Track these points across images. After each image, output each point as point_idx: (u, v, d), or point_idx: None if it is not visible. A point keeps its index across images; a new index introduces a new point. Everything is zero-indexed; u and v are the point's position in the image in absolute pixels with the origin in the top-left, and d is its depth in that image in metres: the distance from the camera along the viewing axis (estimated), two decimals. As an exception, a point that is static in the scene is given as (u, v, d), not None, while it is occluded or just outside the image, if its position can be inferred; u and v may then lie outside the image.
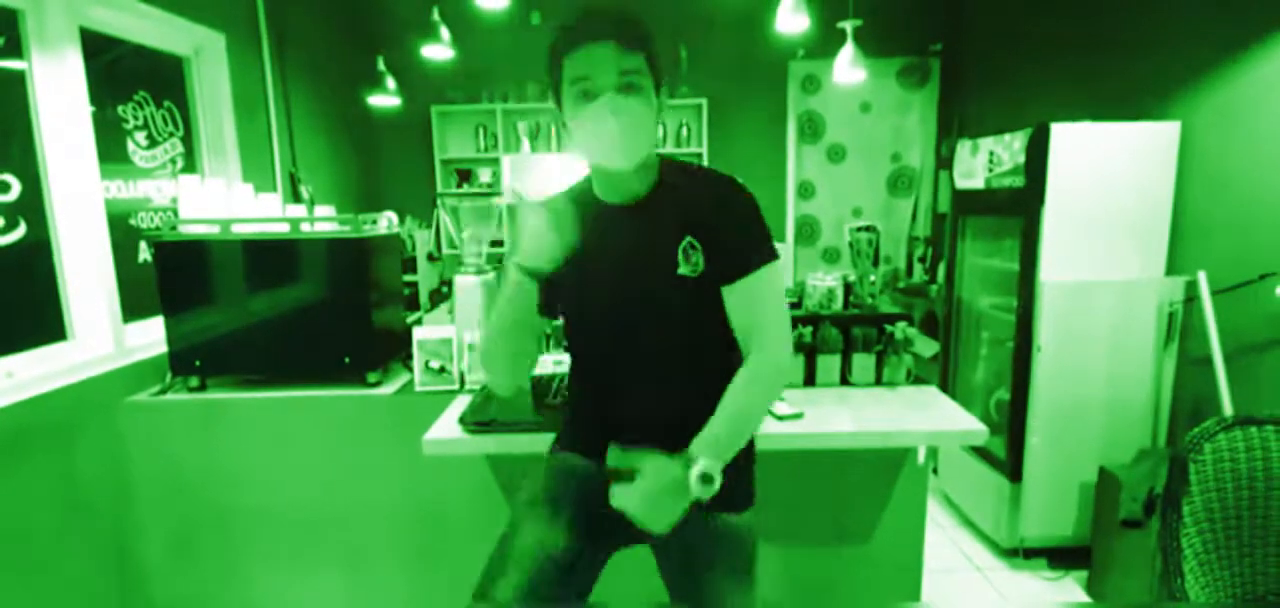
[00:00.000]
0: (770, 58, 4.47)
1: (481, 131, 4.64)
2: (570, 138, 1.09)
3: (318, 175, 3.72)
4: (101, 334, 2.18)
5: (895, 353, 1.89)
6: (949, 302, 3.07)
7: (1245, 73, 2.19)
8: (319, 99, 3.79)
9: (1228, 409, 2.09)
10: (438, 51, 3.44)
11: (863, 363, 1.90)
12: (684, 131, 4.64)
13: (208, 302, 1.98)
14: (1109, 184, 2.34)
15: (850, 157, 4.70)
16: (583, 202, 1.15)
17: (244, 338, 1.98)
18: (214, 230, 1.97)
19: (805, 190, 4.76)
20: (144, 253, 2.45)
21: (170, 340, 1.97)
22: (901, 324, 1.89)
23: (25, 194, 1.99)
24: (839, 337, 1.90)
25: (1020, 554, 2.54)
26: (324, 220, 2.09)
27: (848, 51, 3.11)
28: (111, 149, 2.36)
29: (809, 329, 1.89)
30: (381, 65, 3.84)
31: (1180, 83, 2.43)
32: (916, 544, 1.93)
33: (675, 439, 1.05)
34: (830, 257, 4.83)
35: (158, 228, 2.50)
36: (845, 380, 1.92)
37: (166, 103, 2.64)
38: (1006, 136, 2.51)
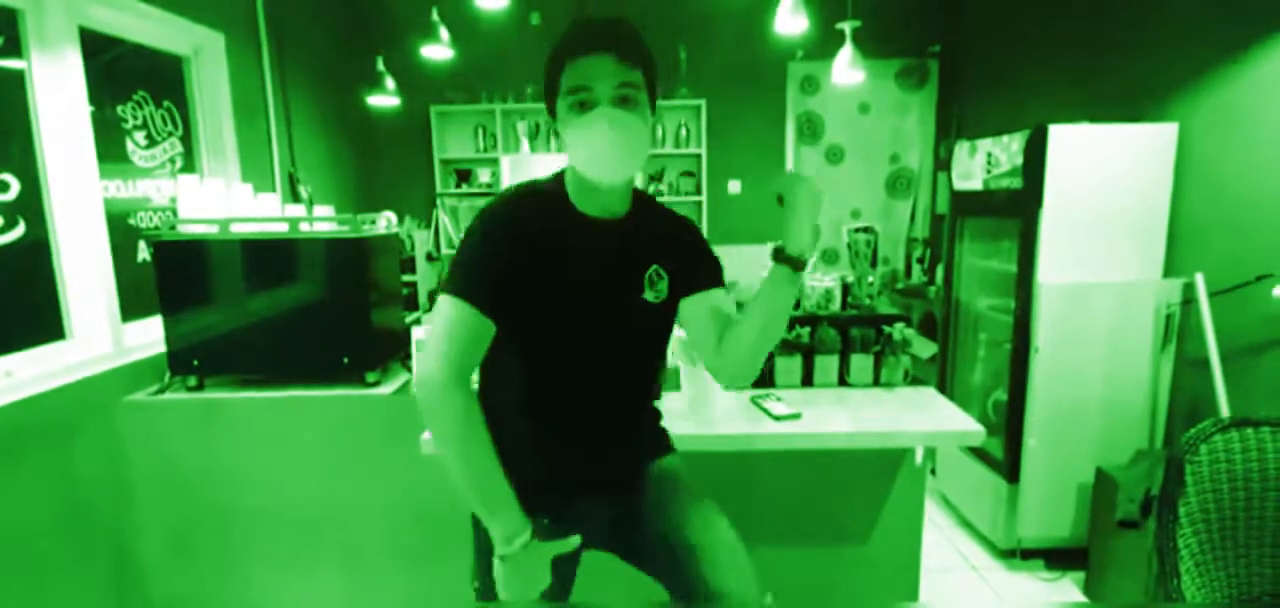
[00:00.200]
0: (769, 59, 4.47)
1: (481, 132, 4.64)
2: (564, 146, 1.07)
3: (317, 175, 3.72)
4: (100, 334, 2.18)
5: (893, 354, 1.89)
6: (947, 303, 3.07)
7: (1243, 75, 2.20)
8: (318, 99, 3.79)
9: (1224, 411, 2.09)
10: (437, 52, 3.44)
11: (861, 364, 1.90)
12: (683, 132, 4.64)
13: (206, 301, 1.98)
14: (1107, 186, 2.35)
15: (849, 158, 4.71)
16: (555, 204, 1.11)
17: (243, 338, 1.98)
18: (213, 230, 1.97)
19: (804, 191, 4.76)
20: (143, 252, 2.45)
21: (169, 340, 1.97)
22: (899, 325, 1.90)
23: (24, 193, 1.99)
24: (837, 337, 1.90)
25: (1017, 555, 2.54)
26: (323, 220, 2.09)
27: (846, 53, 3.12)
28: (111, 149, 2.36)
29: (807, 330, 1.90)
30: (381, 65, 3.83)
31: (1178, 85, 2.44)
32: (914, 545, 1.93)
33: (618, 453, 1.14)
34: (829, 258, 4.83)
35: (157, 227, 2.50)
36: (843, 381, 1.93)
37: (166, 102, 2.65)
38: (1005, 138, 2.52)
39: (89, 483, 2.00)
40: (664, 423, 1.33)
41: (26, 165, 2.01)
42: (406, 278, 2.92)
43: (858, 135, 4.68)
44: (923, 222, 4.66)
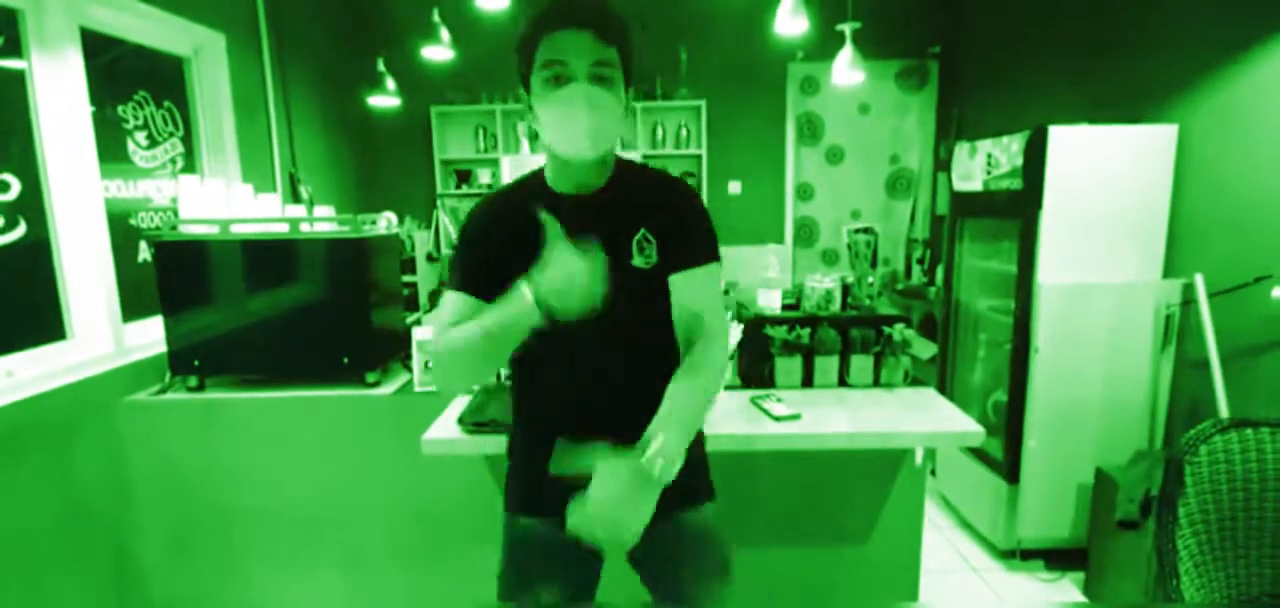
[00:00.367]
0: (769, 59, 4.47)
1: (481, 132, 4.64)
2: (536, 122, 1.07)
3: (317, 176, 3.72)
4: (101, 334, 2.18)
5: (893, 354, 1.89)
6: (947, 303, 3.07)
7: (1243, 76, 2.20)
8: (319, 99, 3.79)
9: (1224, 412, 2.09)
10: (437, 52, 3.45)
11: (861, 364, 1.90)
12: (683, 133, 4.65)
13: (207, 301, 1.98)
14: (1107, 187, 2.35)
15: (849, 158, 4.71)
16: (532, 190, 1.14)
17: (243, 338, 1.98)
18: (213, 230, 1.98)
19: (804, 192, 4.77)
20: (144, 253, 2.45)
21: (169, 340, 1.97)
22: (899, 326, 1.90)
23: (25, 193, 1.99)
24: (837, 338, 1.90)
25: (1017, 556, 2.55)
26: (323, 221, 2.09)
27: (846, 53, 3.12)
28: (111, 149, 2.37)
29: (807, 331, 1.90)
30: (381, 66, 3.84)
31: (1178, 86, 2.44)
32: (914, 545, 1.93)
33: (621, 432, 1.04)
34: (829, 258, 4.84)
35: (157, 228, 2.50)
36: (843, 382, 1.93)
37: (166, 103, 2.65)
38: (1004, 139, 2.52)
39: (89, 483, 2.00)
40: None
41: (27, 165, 2.01)
42: (407, 278, 2.92)
43: (858, 136, 4.68)
44: (923, 222, 4.66)
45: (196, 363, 1.99)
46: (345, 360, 1.98)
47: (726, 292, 3.54)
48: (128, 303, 2.27)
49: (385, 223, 2.29)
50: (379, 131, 4.51)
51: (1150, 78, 2.58)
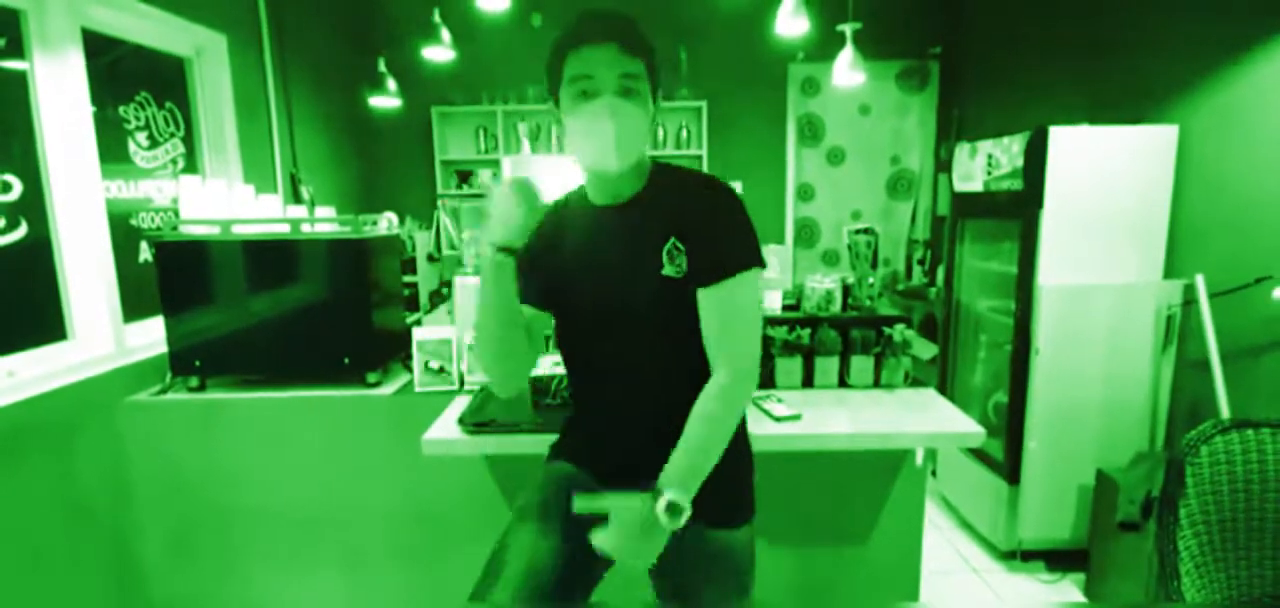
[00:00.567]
0: (770, 60, 4.48)
1: (482, 133, 4.64)
2: (565, 135, 1.11)
3: (318, 176, 3.72)
4: (102, 334, 2.18)
5: (893, 355, 1.89)
6: (947, 304, 3.07)
7: (1243, 77, 2.20)
8: (320, 100, 3.79)
9: (1225, 412, 2.09)
10: (438, 53, 3.45)
11: (861, 365, 1.90)
12: (684, 133, 4.65)
13: (208, 302, 1.98)
14: (1107, 187, 2.35)
15: (849, 159, 4.71)
16: (574, 203, 1.21)
17: (244, 338, 1.98)
18: (214, 231, 1.98)
19: (804, 193, 4.77)
20: (145, 253, 2.45)
21: (170, 340, 1.97)
22: (900, 327, 1.90)
23: (26, 194, 1.99)
24: (837, 339, 1.90)
25: (1018, 557, 2.54)
26: (324, 221, 2.10)
27: (847, 54, 3.12)
28: (113, 149, 2.37)
29: (807, 331, 1.90)
30: (382, 66, 3.84)
31: (1178, 86, 2.44)
32: (914, 546, 1.93)
33: (660, 440, 1.07)
34: (829, 259, 4.83)
35: (158, 228, 2.50)
36: (843, 382, 1.93)
37: (168, 103, 2.65)
38: (1005, 140, 2.52)
39: (90, 483, 2.00)
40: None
41: (29, 166, 2.01)
42: (407, 279, 2.92)
43: (858, 137, 4.68)
44: (923, 223, 4.66)
45: (197, 363, 1.99)
46: (346, 361, 1.98)
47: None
48: (129, 303, 2.28)
49: (386, 223, 2.29)
50: (380, 132, 4.52)
51: (1151, 78, 2.58)
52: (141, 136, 2.52)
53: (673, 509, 1.02)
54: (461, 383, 1.96)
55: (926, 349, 3.37)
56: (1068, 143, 2.30)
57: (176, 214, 2.30)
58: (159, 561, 2.08)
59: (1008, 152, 2.50)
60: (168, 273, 1.96)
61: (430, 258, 3.19)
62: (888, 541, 1.92)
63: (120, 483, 2.04)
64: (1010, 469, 2.50)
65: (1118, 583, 2.22)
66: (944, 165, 4.38)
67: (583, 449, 1.26)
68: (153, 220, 2.52)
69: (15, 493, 1.80)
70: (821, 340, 1.90)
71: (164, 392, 2.03)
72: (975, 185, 2.74)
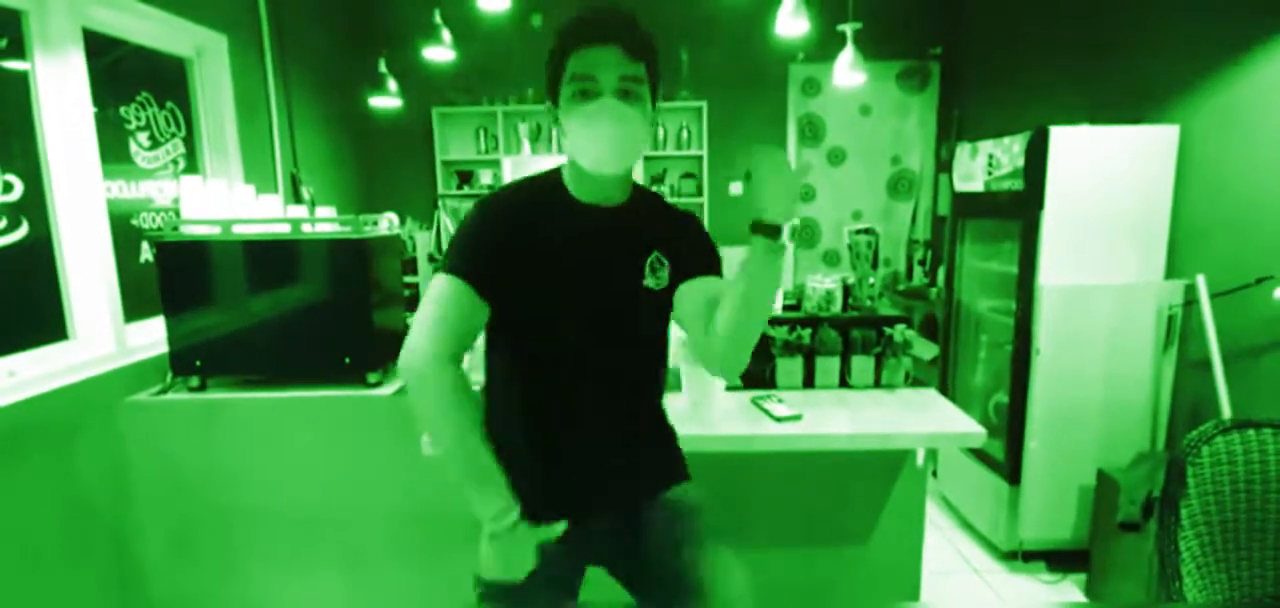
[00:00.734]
0: (770, 61, 4.48)
1: (482, 133, 4.64)
2: (563, 134, 1.09)
3: (319, 176, 3.73)
4: (103, 334, 2.18)
5: (894, 355, 1.89)
6: (948, 304, 3.07)
7: (1244, 77, 2.20)
8: (320, 100, 3.80)
9: (1226, 412, 2.09)
10: (439, 53, 3.45)
11: (862, 365, 1.90)
12: (684, 134, 4.65)
13: (209, 302, 1.98)
14: (1108, 187, 2.35)
15: (850, 159, 4.71)
16: (551, 191, 1.13)
17: (245, 338, 1.98)
18: (215, 231, 1.98)
19: (805, 193, 4.77)
20: (145, 253, 2.46)
21: (171, 340, 1.97)
22: (900, 327, 1.90)
23: (28, 194, 2.00)
24: (838, 339, 1.90)
25: (1019, 557, 2.54)
26: (325, 221, 2.10)
27: (847, 55, 3.12)
28: (114, 149, 2.37)
29: (808, 331, 1.90)
30: (383, 67, 3.84)
31: (1179, 86, 2.44)
32: (915, 546, 1.93)
33: (628, 440, 1.12)
34: (830, 259, 4.83)
35: (159, 228, 2.50)
36: (844, 383, 1.93)
37: (169, 104, 2.65)
38: (1006, 140, 2.52)
39: (91, 483, 2.00)
40: (673, 431, 1.29)
41: (30, 166, 2.02)
42: (408, 279, 2.92)
43: (859, 137, 4.68)
44: (924, 223, 4.66)
45: (198, 363, 1.99)
46: (346, 361, 1.98)
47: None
48: (129, 303, 2.28)
49: (386, 224, 2.29)
50: (380, 132, 4.52)
51: (1151, 78, 2.58)
52: (142, 137, 2.52)
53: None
54: (462, 383, 1.95)
55: (927, 349, 3.37)
56: (1068, 143, 2.30)
57: (177, 214, 2.30)
58: (159, 560, 2.08)
59: (1008, 152, 2.50)
60: (168, 273, 1.96)
61: (431, 258, 3.19)
62: (889, 541, 1.92)
63: (121, 483, 2.04)
64: (1011, 469, 2.50)
65: (1119, 584, 2.22)
66: (944, 165, 4.38)
67: (535, 493, 1.10)
68: (154, 220, 2.53)
69: (16, 493, 1.80)
70: (822, 341, 1.90)
71: (165, 392, 2.03)
72: (976, 185, 2.74)
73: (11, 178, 1.96)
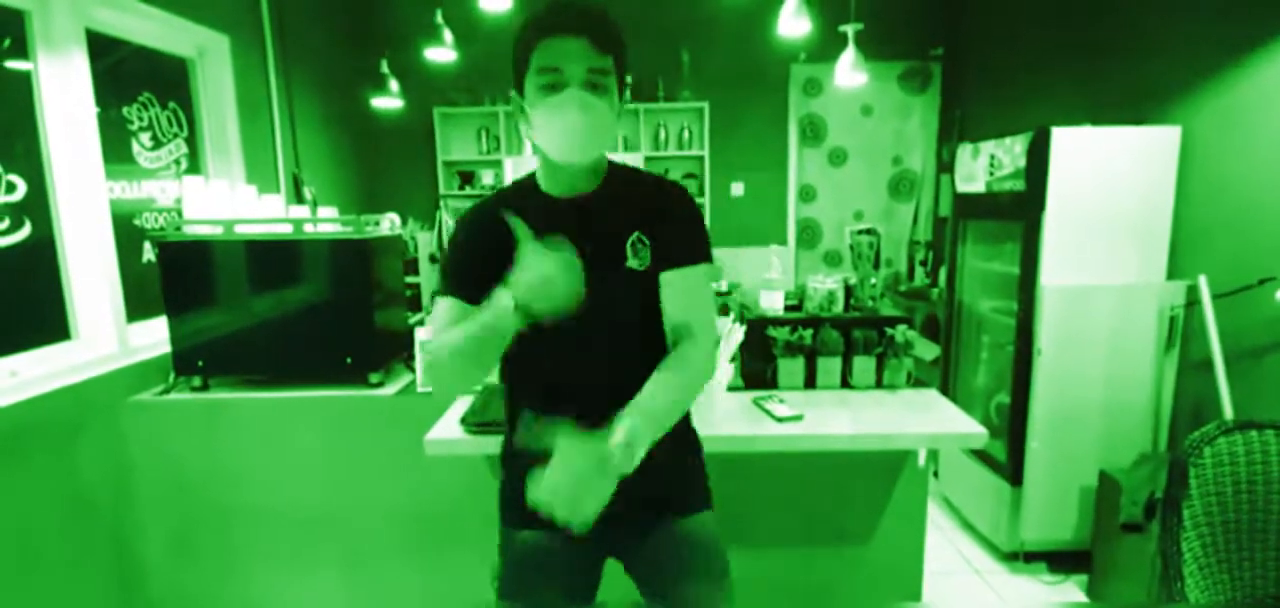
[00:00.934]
0: (772, 61, 4.48)
1: (484, 134, 4.65)
2: (528, 126, 1.08)
3: (321, 177, 3.73)
4: (105, 334, 2.19)
5: (896, 356, 1.89)
6: (950, 305, 3.07)
7: (1245, 78, 2.20)
8: (322, 101, 3.80)
9: (1228, 413, 2.09)
10: (441, 54, 3.45)
11: (863, 366, 1.90)
12: (686, 134, 4.65)
13: (211, 302, 1.99)
14: (1110, 188, 2.34)
15: (851, 160, 4.71)
16: (524, 193, 1.15)
17: (247, 338, 1.99)
18: (217, 231, 1.98)
19: (806, 193, 4.77)
20: (148, 253, 2.46)
21: (173, 340, 1.98)
22: (902, 327, 1.90)
23: (31, 194, 2.00)
24: (840, 339, 1.90)
25: (1020, 558, 2.54)
26: (327, 221, 2.10)
27: (849, 55, 3.12)
28: (116, 150, 2.38)
29: (809, 332, 1.90)
30: (384, 67, 3.85)
31: (1181, 87, 2.44)
32: (917, 547, 1.93)
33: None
34: (831, 259, 4.83)
35: (162, 228, 2.50)
36: (846, 383, 1.93)
37: (171, 104, 2.66)
38: (1007, 140, 2.52)
39: (93, 482, 2.00)
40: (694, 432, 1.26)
41: (33, 166, 2.02)
42: (409, 279, 2.92)
43: (860, 138, 4.68)
44: (925, 224, 4.66)
45: (200, 363, 1.99)
46: (348, 361, 1.99)
47: (729, 292, 3.54)
48: (132, 303, 2.28)
49: (388, 224, 2.30)
50: (382, 133, 4.52)
51: (1153, 79, 2.58)
52: (145, 137, 2.53)
53: (628, 445, 0.92)
54: (463, 383, 1.96)
55: (929, 350, 3.37)
56: (1070, 144, 2.30)
57: (180, 214, 2.31)
58: (161, 560, 2.09)
59: (1010, 152, 2.50)
60: (171, 273, 1.97)
61: (432, 258, 3.19)
62: (890, 541, 1.92)
63: (123, 483, 2.04)
64: (1012, 470, 2.50)
65: (1120, 585, 2.21)
66: (946, 166, 4.38)
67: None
68: (156, 221, 2.53)
69: (18, 492, 1.81)
70: (824, 341, 1.90)
71: (167, 392, 2.03)
72: (977, 186, 2.74)
73: (14, 178, 1.96)
